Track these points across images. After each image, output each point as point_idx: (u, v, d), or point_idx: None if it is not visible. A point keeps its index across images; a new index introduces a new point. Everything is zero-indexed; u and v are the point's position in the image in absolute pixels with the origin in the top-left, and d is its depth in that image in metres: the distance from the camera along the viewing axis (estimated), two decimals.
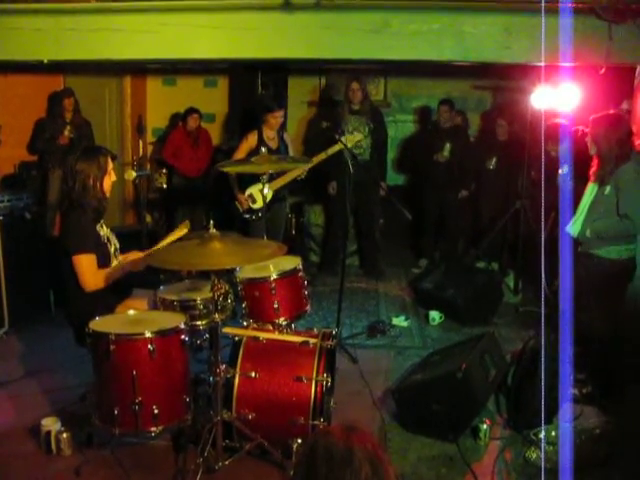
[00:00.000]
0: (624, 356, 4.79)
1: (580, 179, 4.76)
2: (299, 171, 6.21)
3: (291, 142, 6.71)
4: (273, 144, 6.37)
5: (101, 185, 4.12)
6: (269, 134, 6.42)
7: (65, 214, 4.12)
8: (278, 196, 6.45)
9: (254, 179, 6.11)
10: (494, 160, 7.61)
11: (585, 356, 4.92)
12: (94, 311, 3.75)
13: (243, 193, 6.33)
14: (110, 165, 4.18)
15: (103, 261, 4.14)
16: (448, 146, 7.59)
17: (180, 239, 4.28)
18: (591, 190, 4.60)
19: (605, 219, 4.46)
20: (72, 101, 7.52)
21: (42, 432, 3.89)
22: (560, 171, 4.87)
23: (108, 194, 4.22)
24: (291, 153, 6.50)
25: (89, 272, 3.99)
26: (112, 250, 4.26)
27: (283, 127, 6.56)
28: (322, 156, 6.18)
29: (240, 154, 6.26)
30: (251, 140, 6.34)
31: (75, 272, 3.99)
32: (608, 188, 4.44)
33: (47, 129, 7.46)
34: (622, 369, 4.72)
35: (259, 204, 6.29)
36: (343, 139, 5.92)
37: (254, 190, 6.28)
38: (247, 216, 6.36)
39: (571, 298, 4.57)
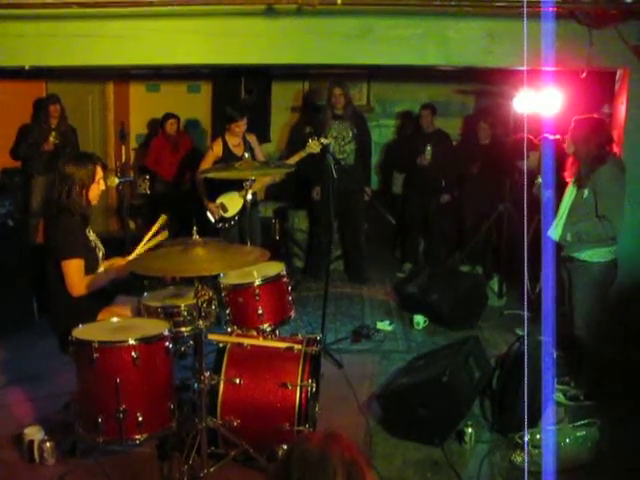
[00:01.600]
0: (608, 358, 4.82)
1: (557, 186, 4.78)
2: (272, 176, 6.18)
3: (257, 144, 6.63)
4: (238, 151, 6.30)
5: (87, 193, 4.09)
6: (233, 141, 6.37)
7: (53, 219, 4.08)
8: (254, 200, 6.42)
9: (224, 188, 6.11)
10: (477, 164, 7.65)
11: (569, 358, 4.95)
12: (78, 318, 3.73)
13: (213, 202, 6.31)
14: (100, 174, 4.15)
15: (92, 266, 4.13)
16: (430, 149, 7.59)
17: (158, 237, 4.31)
18: (570, 193, 4.62)
19: (585, 222, 4.48)
20: (58, 108, 7.46)
21: (25, 441, 3.86)
22: (536, 181, 4.90)
23: (95, 202, 4.19)
24: (258, 156, 6.43)
25: (76, 277, 3.96)
26: (100, 255, 4.25)
27: (244, 132, 6.52)
28: (301, 154, 6.09)
29: (206, 164, 6.20)
30: (216, 149, 6.31)
31: (62, 277, 3.97)
32: (586, 191, 4.46)
33: (31, 135, 7.40)
34: (606, 371, 4.75)
35: (231, 212, 6.28)
36: (322, 140, 5.87)
37: (225, 199, 6.26)
38: (220, 225, 6.33)
39: (554, 301, 4.60)
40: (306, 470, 1.63)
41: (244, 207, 5.98)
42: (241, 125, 6.29)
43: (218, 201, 6.29)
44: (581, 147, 4.48)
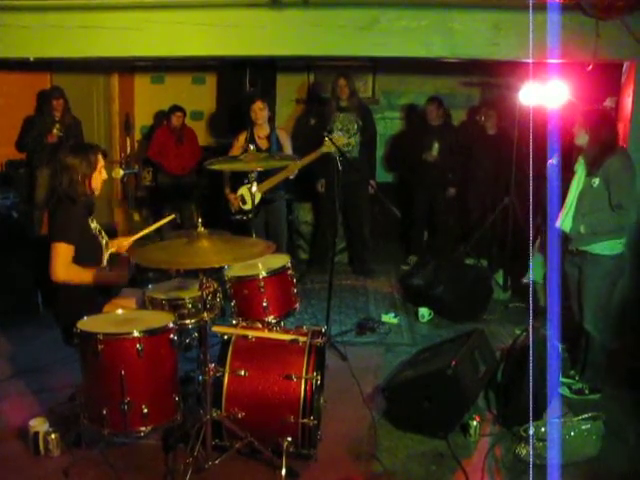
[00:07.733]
0: (614, 351, 4.81)
1: (568, 170, 4.76)
2: (288, 172, 6.18)
3: (288, 141, 6.65)
4: (263, 144, 6.35)
5: (89, 182, 4.10)
6: (260, 133, 6.41)
7: (54, 208, 4.09)
8: (273, 197, 6.44)
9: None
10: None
11: (574, 352, 4.94)
12: (82, 310, 3.73)
13: (234, 193, 6.32)
14: (101, 163, 4.17)
15: (96, 253, 4.16)
16: (437, 145, 7.59)
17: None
18: (577, 183, 4.59)
19: (598, 213, 4.43)
20: (61, 102, 7.43)
21: (30, 433, 3.87)
22: (550, 161, 4.88)
23: (98, 192, 4.21)
24: (288, 153, 6.46)
25: (61, 262, 3.95)
26: (104, 242, 4.25)
27: (274, 126, 6.54)
28: (312, 156, 6.09)
29: (232, 154, 6.22)
30: (241, 139, 6.34)
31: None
32: (597, 180, 4.42)
33: (36, 126, 7.40)
34: (612, 365, 4.73)
35: (249, 205, 6.28)
36: (331, 137, 5.86)
37: (245, 191, 6.25)
38: (238, 217, 6.33)
39: (559, 294, 4.58)
40: None
41: (266, 200, 6.04)
42: (256, 109, 6.35)
43: (238, 192, 6.29)
44: (593, 138, 4.45)
